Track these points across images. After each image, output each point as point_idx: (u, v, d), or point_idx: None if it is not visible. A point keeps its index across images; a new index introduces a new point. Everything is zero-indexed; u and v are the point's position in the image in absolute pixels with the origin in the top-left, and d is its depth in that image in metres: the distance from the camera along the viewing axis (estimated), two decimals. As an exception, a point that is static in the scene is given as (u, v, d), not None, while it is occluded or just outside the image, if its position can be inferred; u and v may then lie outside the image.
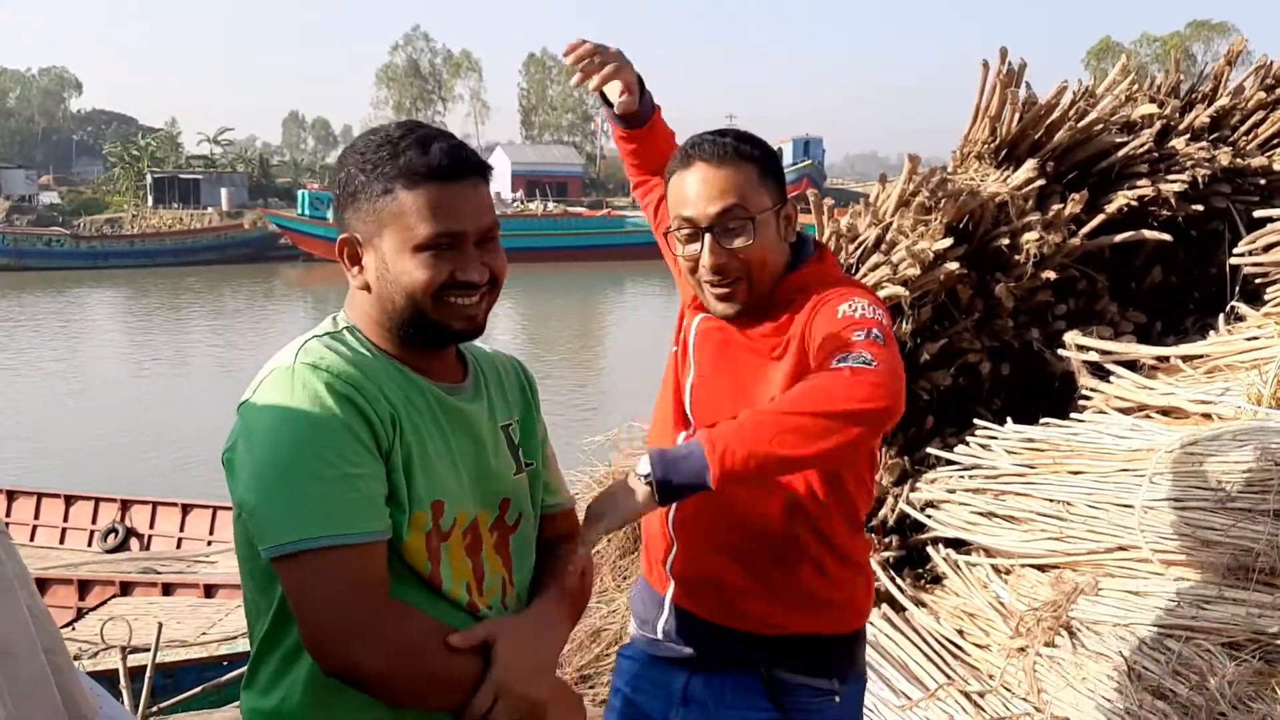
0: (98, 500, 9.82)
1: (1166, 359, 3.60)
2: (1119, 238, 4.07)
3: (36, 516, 9.79)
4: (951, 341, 3.84)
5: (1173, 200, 4.08)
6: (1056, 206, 3.91)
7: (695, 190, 1.79)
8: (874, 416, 1.56)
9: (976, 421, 3.57)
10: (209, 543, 9.19)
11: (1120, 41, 66.45)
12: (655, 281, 37.08)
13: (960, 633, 3.12)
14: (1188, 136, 4.29)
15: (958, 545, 3.37)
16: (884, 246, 3.70)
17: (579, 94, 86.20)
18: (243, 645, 5.82)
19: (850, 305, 1.72)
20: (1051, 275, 3.90)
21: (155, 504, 9.70)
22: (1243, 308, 3.78)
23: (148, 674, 4.60)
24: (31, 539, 9.58)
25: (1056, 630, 2.78)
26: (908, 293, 3.57)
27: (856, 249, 3.73)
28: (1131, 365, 3.60)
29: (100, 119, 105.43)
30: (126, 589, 7.50)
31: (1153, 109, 4.25)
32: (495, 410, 1.63)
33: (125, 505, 9.74)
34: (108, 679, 4.53)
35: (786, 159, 49.62)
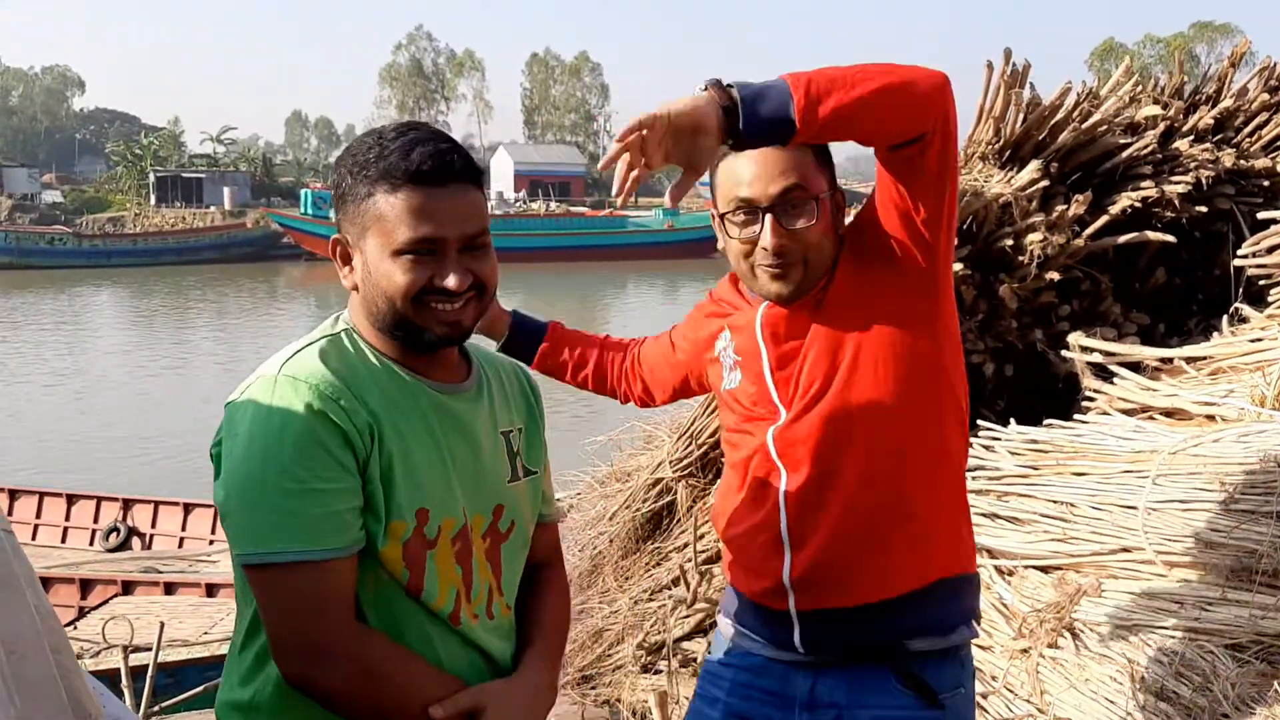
0: (100, 499, 9.82)
1: (1170, 360, 3.60)
2: (1123, 239, 4.06)
3: (38, 516, 9.79)
4: (955, 342, 3.84)
5: (1176, 202, 4.08)
6: (1060, 207, 3.91)
7: (754, 171, 1.75)
8: (942, 81, 1.63)
9: (980, 423, 3.56)
10: (211, 542, 9.18)
11: (1124, 43, 66.49)
12: (657, 282, 37.09)
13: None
14: (1192, 138, 4.28)
15: (960, 546, 3.36)
16: (887, 247, 3.69)
17: (581, 94, 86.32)
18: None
19: None
20: (1055, 276, 3.90)
21: (157, 503, 9.71)
22: (1246, 309, 3.78)
23: (150, 673, 4.59)
24: (33, 538, 9.58)
25: (1059, 632, 2.78)
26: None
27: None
28: (1135, 367, 3.60)
29: (103, 118, 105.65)
30: (128, 588, 7.49)
31: (1157, 110, 4.24)
32: (496, 414, 1.62)
33: (127, 504, 9.75)
34: (109, 678, 4.52)
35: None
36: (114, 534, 9.49)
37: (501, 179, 63.51)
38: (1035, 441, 3.26)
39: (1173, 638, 2.57)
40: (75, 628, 6.49)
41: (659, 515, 4.34)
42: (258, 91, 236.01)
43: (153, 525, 9.62)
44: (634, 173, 1.52)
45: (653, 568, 4.24)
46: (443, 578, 1.49)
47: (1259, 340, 3.38)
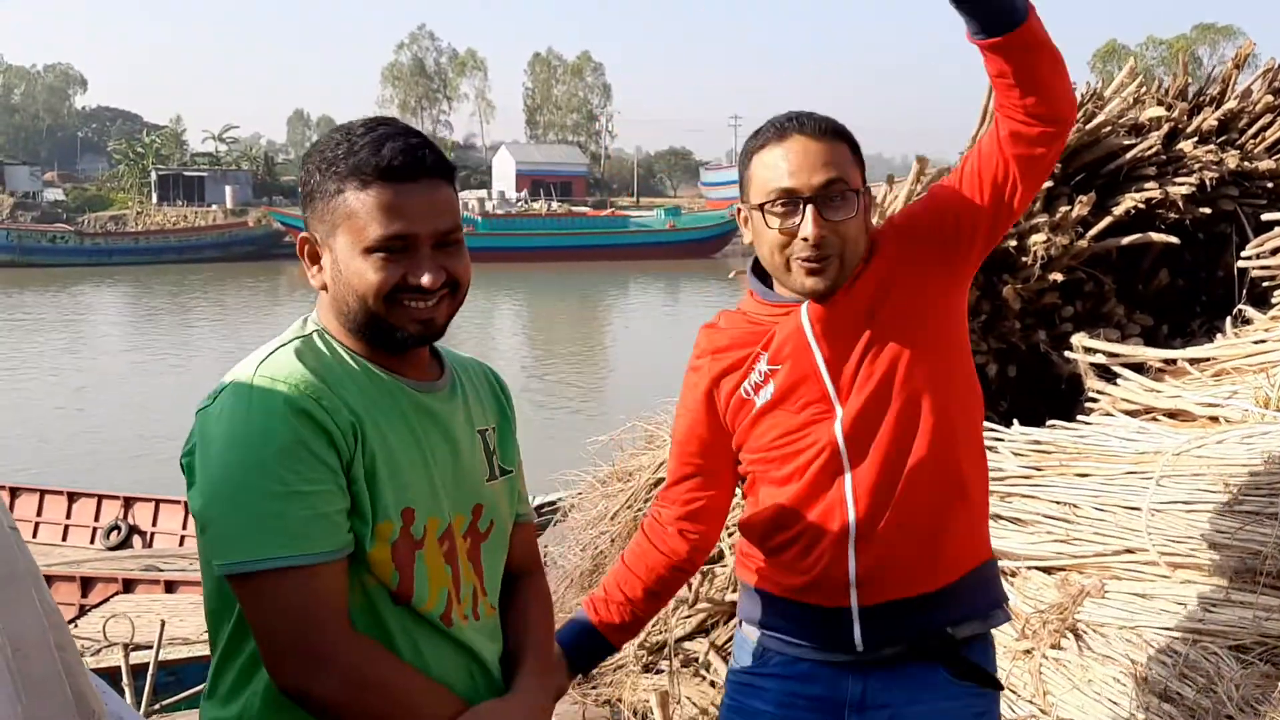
0: (100, 498, 9.84)
1: (1173, 362, 3.59)
2: (1126, 240, 4.06)
3: (39, 513, 9.81)
4: (958, 343, 3.84)
5: (1180, 203, 4.08)
6: (1064, 208, 3.90)
7: (796, 162, 1.76)
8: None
9: (983, 423, 3.56)
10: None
11: (1126, 44, 66.48)
12: (659, 281, 37.09)
13: (965, 635, 3.11)
14: (1195, 139, 4.28)
15: (963, 547, 3.36)
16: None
17: (583, 94, 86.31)
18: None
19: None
20: (1059, 277, 3.90)
21: (158, 501, 9.73)
22: (1250, 311, 3.78)
23: (150, 671, 4.60)
24: (34, 536, 9.58)
25: (1063, 633, 2.77)
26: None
27: (863, 250, 3.73)
28: (1138, 368, 3.60)
29: (105, 116, 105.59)
30: (129, 586, 7.50)
31: (1160, 112, 4.24)
32: (472, 413, 1.60)
33: (128, 503, 9.76)
34: (110, 676, 4.53)
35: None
36: (115, 532, 9.50)
37: (503, 178, 63.45)
38: (1038, 442, 3.25)
39: (1176, 639, 2.57)
40: (76, 626, 6.49)
41: (661, 515, 4.32)
42: (259, 91, 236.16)
43: (154, 523, 9.63)
44: None
45: (654, 567, 4.23)
46: (433, 578, 1.47)
47: (1263, 342, 3.38)
